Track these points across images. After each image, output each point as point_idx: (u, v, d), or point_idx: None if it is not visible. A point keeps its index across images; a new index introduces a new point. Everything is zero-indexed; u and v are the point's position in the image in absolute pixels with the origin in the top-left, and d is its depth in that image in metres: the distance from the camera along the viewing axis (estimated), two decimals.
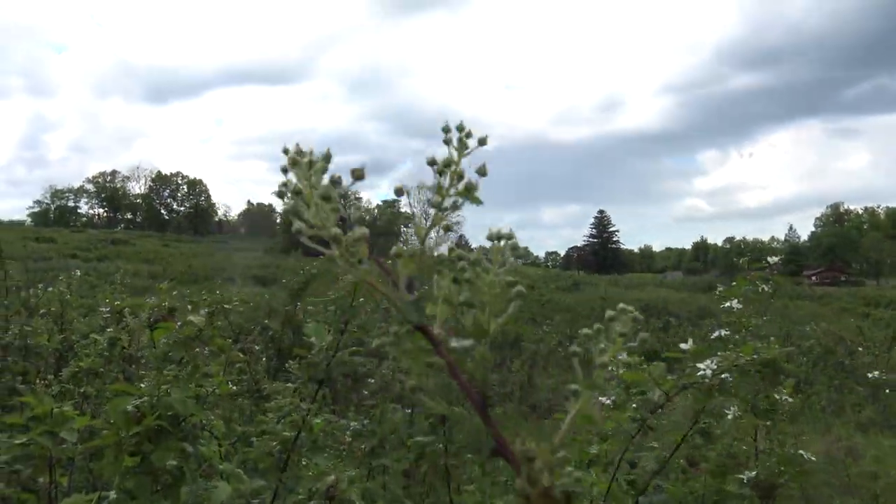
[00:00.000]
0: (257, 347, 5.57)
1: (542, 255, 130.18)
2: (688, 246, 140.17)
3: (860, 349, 14.36)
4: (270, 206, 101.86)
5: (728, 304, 2.93)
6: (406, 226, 73.16)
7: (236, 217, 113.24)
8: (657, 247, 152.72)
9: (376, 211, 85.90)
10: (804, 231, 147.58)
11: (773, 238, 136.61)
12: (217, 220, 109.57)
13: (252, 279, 36.49)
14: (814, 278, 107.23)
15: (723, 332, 2.97)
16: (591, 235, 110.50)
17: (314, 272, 7.07)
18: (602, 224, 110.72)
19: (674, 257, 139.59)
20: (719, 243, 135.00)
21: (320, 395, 2.63)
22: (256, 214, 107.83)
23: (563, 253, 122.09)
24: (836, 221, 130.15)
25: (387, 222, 79.89)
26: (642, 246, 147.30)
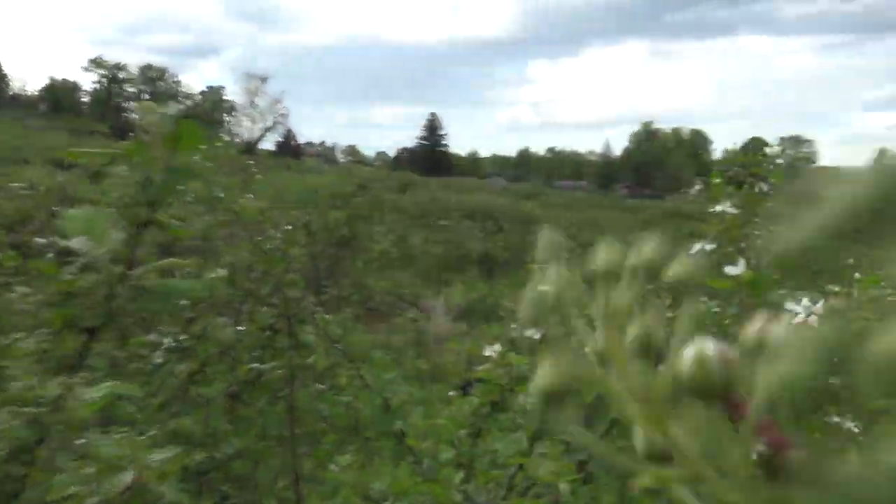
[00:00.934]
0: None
1: (372, 154, 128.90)
2: (513, 154, 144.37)
3: None
4: (76, 83, 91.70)
5: (719, 207, 2.34)
6: (231, 114, 68.83)
7: (36, 92, 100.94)
8: (484, 152, 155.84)
9: (199, 97, 79.92)
10: (619, 146, 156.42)
11: (590, 151, 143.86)
12: (11, 93, 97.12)
13: (52, 162, 32.57)
14: (623, 191, 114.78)
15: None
16: (422, 138, 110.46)
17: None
18: (433, 127, 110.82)
19: (499, 163, 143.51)
20: (542, 153, 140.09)
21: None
22: (60, 90, 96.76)
23: (393, 153, 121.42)
24: (647, 139, 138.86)
25: (209, 110, 74.73)
26: (470, 151, 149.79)
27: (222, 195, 3.30)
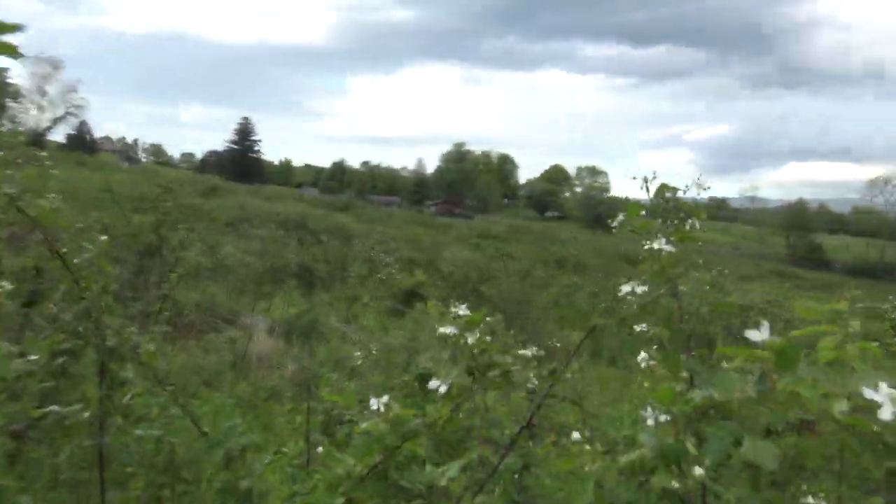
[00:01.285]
0: None
1: (177, 155, 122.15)
2: (327, 164, 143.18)
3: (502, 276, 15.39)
4: None
5: (655, 244, 2.08)
6: (15, 100, 61.86)
7: None
8: (297, 162, 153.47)
9: None
10: (432, 164, 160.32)
11: (404, 167, 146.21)
12: None
13: None
14: (434, 209, 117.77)
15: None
16: (233, 142, 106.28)
17: None
18: (245, 131, 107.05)
19: (312, 174, 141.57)
20: (356, 166, 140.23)
21: None
22: None
23: (200, 156, 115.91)
24: (459, 160, 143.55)
25: None
26: (283, 159, 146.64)
27: (13, 192, 2.61)
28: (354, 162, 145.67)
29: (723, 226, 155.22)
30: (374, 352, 4.66)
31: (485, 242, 60.39)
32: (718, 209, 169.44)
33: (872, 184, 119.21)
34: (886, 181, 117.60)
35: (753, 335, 1.34)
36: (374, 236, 25.12)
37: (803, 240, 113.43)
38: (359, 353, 4.68)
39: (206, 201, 38.79)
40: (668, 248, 2.04)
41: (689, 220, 2.26)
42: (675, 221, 2.24)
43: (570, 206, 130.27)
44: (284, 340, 8.70)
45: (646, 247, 2.09)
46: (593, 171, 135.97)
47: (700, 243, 2.23)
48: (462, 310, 2.10)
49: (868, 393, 1.19)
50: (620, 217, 2.28)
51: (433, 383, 1.89)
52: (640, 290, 2.02)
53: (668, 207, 2.28)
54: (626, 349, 2.60)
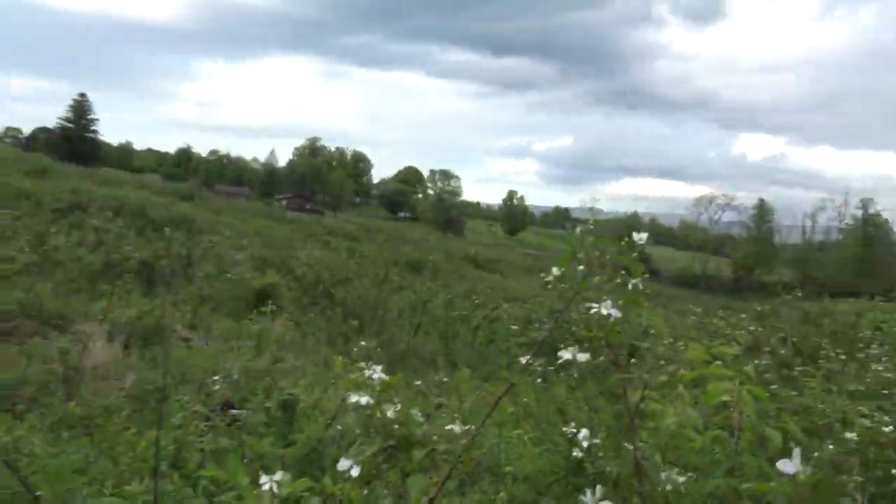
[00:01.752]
0: None
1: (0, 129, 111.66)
2: (171, 150, 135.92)
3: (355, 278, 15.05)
4: None
5: (596, 308, 1.90)
6: None
7: None
8: (139, 145, 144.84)
9: None
10: (284, 157, 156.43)
11: (255, 158, 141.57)
12: None
13: None
14: (284, 202, 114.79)
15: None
16: (67, 119, 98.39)
17: None
18: (81, 108, 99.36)
19: (155, 159, 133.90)
20: (203, 153, 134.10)
21: None
22: None
23: (28, 131, 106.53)
24: (312, 154, 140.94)
25: None
26: (123, 141, 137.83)
27: None
28: (202, 149, 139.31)
29: (564, 234, 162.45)
30: (235, 376, 4.27)
31: (335, 240, 59.61)
32: (562, 217, 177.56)
33: (698, 202, 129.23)
34: (710, 200, 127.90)
35: (785, 466, 1.20)
36: (224, 232, 23.97)
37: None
38: (217, 377, 4.28)
39: (33, 184, 35.46)
40: (614, 313, 1.91)
41: (630, 279, 2.14)
42: (610, 278, 2.11)
43: (422, 207, 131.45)
44: (123, 347, 7.96)
45: (592, 311, 1.94)
46: (446, 175, 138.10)
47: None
48: (376, 373, 1.85)
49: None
50: (554, 271, 2.13)
51: (343, 463, 1.64)
52: (581, 357, 1.87)
53: (602, 261, 2.16)
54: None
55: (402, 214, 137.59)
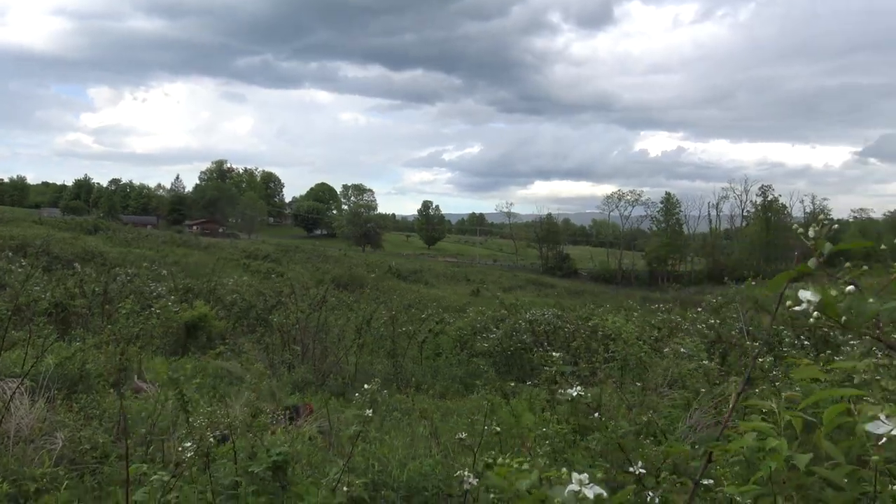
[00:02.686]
0: None
1: None
2: (69, 182, 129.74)
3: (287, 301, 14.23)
4: None
5: None
6: None
7: None
8: (32, 180, 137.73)
9: None
10: (190, 182, 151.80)
11: (159, 185, 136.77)
12: None
13: None
14: (195, 228, 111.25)
15: None
16: None
17: None
18: None
19: (52, 193, 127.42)
20: (104, 184, 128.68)
21: None
22: None
23: None
24: (220, 177, 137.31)
25: None
26: (14, 176, 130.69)
27: None
28: (101, 179, 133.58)
29: (481, 240, 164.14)
30: (211, 439, 3.57)
31: (255, 263, 57.86)
32: (478, 223, 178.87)
33: (608, 200, 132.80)
34: (619, 197, 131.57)
35: None
36: (138, 264, 22.57)
37: (553, 251, 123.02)
38: (189, 444, 3.57)
39: None
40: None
41: None
42: None
43: (338, 223, 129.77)
44: (45, 401, 7.02)
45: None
46: (359, 189, 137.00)
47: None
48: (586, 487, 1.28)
49: None
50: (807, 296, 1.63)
51: None
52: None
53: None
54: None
55: (318, 232, 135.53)
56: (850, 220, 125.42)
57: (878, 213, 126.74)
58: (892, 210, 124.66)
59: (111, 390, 8.25)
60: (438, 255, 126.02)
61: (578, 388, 4.21)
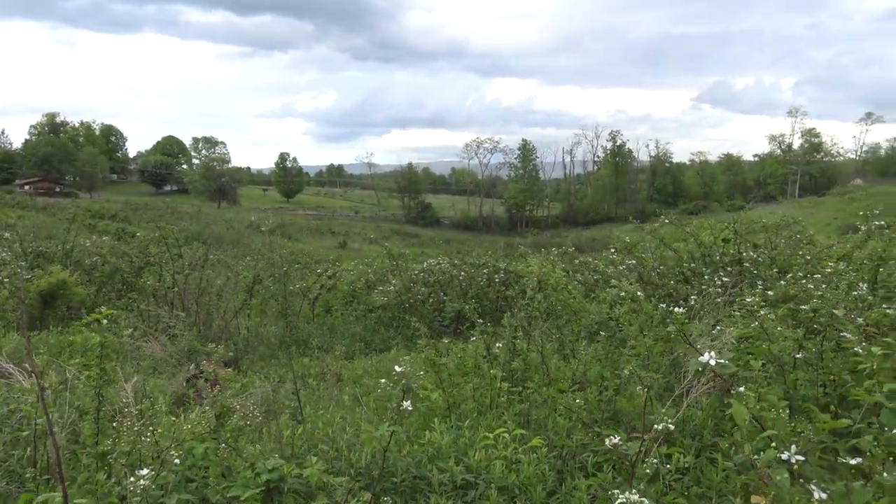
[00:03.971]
0: None
1: None
2: None
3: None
4: None
5: None
6: None
7: None
8: None
9: None
10: (17, 138, 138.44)
11: None
12: None
13: None
14: (28, 188, 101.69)
15: None
16: None
17: None
18: None
19: None
20: None
21: None
22: None
23: None
24: (53, 132, 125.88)
25: None
26: None
27: None
28: None
29: (341, 192, 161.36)
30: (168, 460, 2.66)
31: (102, 224, 53.60)
32: (337, 175, 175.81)
33: (467, 147, 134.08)
34: (478, 144, 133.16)
35: None
36: None
37: (415, 201, 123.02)
38: (146, 472, 2.64)
39: None
40: None
41: None
42: None
43: (189, 178, 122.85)
44: None
45: None
46: (210, 142, 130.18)
47: None
48: None
49: None
50: None
51: None
52: None
53: None
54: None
55: (167, 188, 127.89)
56: (688, 163, 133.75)
57: (713, 156, 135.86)
58: (724, 153, 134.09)
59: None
60: (298, 208, 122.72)
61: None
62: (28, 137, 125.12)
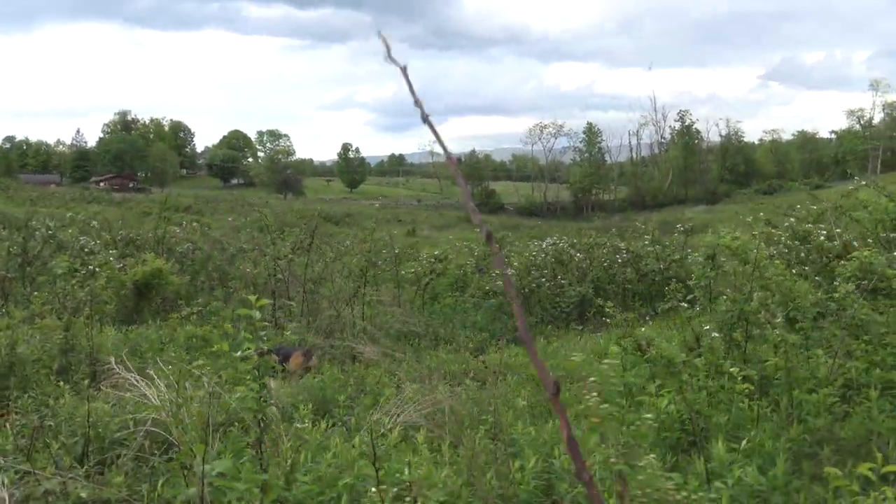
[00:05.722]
0: None
1: None
2: None
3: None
4: None
5: None
6: None
7: None
8: None
9: None
10: (92, 137, 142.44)
11: (59, 141, 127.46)
12: None
13: None
14: (103, 184, 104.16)
15: None
16: None
17: None
18: None
19: None
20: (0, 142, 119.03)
21: None
22: None
23: None
24: (125, 129, 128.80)
25: None
26: None
27: None
28: None
29: (403, 180, 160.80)
30: None
31: (176, 216, 53.95)
32: (398, 165, 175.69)
33: (531, 132, 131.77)
34: (542, 129, 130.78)
35: None
36: (47, 223, 19.52)
37: (478, 188, 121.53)
38: None
39: None
40: None
41: None
42: None
43: (255, 171, 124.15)
44: None
45: None
46: (275, 135, 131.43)
47: None
48: None
49: None
50: None
51: None
52: None
53: None
54: None
55: (234, 181, 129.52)
56: (758, 142, 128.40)
57: (787, 134, 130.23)
58: (798, 130, 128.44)
59: (60, 382, 5.98)
60: (362, 198, 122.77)
61: None
62: (102, 136, 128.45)
